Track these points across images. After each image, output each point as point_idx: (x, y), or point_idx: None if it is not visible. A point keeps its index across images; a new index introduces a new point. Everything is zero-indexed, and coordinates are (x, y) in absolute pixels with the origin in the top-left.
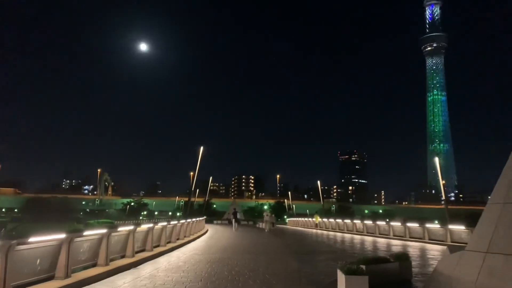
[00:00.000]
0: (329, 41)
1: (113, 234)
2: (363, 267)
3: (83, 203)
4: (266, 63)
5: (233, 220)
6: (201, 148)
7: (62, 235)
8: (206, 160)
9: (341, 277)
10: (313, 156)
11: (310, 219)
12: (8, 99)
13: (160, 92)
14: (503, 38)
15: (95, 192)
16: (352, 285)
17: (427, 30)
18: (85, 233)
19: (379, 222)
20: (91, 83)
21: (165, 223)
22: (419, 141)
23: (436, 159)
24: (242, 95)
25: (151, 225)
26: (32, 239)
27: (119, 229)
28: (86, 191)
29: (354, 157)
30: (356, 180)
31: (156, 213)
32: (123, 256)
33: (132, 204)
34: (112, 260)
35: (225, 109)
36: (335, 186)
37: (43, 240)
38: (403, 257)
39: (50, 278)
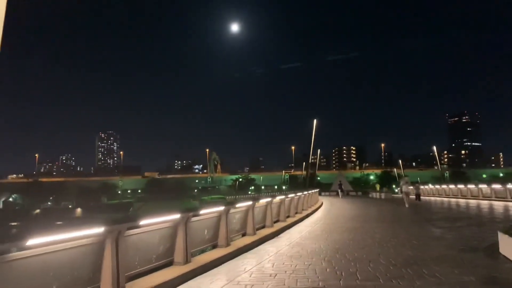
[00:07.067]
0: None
1: (256, 205)
2: None
3: (196, 181)
4: (367, 31)
5: (339, 191)
6: (315, 121)
7: (221, 207)
8: (305, 134)
9: (507, 240)
10: (417, 122)
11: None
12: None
13: (260, 68)
14: None
15: (204, 171)
16: None
17: None
18: (238, 204)
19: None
20: (193, 69)
21: (292, 195)
22: None
23: None
24: (335, 64)
25: (282, 196)
26: (202, 211)
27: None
28: (196, 170)
29: (465, 118)
30: (469, 144)
31: (262, 187)
32: (244, 234)
33: (240, 180)
34: (232, 240)
35: (323, 82)
36: (445, 152)
37: (208, 212)
38: None
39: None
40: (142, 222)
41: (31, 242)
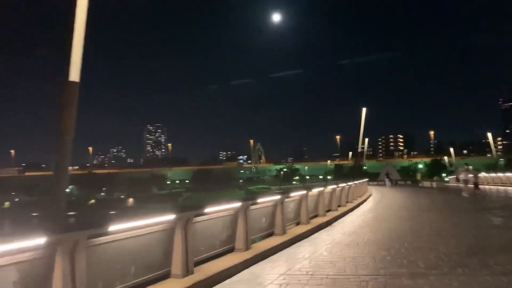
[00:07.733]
0: None
1: (309, 195)
2: None
3: (241, 171)
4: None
5: (387, 180)
6: (364, 109)
7: (277, 196)
8: (351, 122)
9: None
10: (468, 108)
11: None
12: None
13: (304, 59)
14: None
15: (249, 161)
16: None
17: None
18: (292, 193)
19: None
20: (237, 61)
21: (343, 184)
22: None
23: None
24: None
25: (334, 186)
26: (260, 199)
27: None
28: (241, 161)
29: None
30: None
31: (307, 177)
32: (298, 223)
33: (285, 170)
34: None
35: (369, 69)
36: (498, 138)
37: (265, 200)
38: None
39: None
40: (207, 210)
41: (112, 227)
